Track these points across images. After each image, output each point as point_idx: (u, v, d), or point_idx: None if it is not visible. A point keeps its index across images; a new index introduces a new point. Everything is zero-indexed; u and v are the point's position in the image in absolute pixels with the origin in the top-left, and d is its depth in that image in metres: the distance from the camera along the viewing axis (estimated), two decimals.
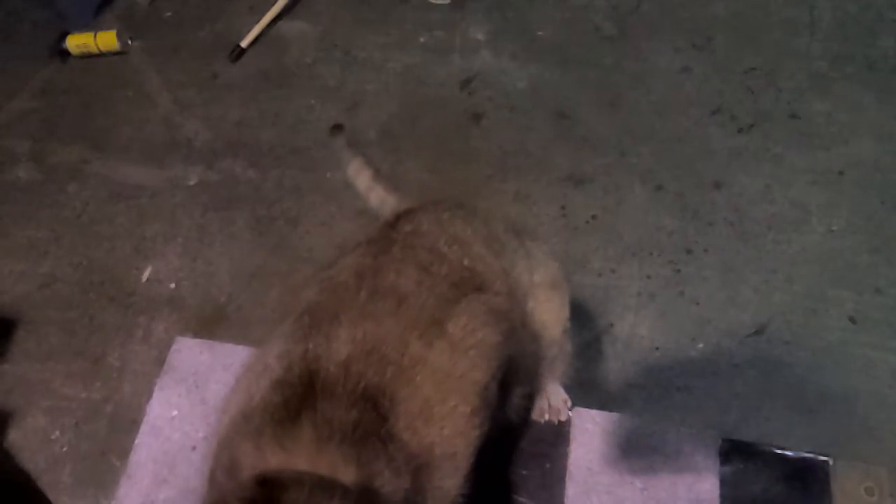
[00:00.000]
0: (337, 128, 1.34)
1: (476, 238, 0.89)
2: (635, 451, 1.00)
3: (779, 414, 1.14)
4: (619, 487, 0.99)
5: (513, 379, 0.88)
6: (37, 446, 1.28)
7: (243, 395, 0.74)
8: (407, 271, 0.79)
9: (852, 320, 1.22)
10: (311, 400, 0.67)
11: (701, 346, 1.23)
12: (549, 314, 0.96)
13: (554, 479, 1.01)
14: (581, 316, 1.29)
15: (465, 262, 0.83)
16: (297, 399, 0.67)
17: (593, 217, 1.41)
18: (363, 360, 0.70)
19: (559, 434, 1.04)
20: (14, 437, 1.30)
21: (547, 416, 1.09)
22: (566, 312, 0.99)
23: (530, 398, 1.09)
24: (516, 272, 0.91)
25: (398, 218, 0.90)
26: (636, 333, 1.26)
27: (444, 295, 0.78)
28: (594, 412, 1.05)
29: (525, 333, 0.91)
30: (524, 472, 1.02)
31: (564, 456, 1.03)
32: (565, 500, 0.99)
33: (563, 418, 1.06)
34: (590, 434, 1.04)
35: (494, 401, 0.79)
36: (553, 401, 1.09)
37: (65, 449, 1.27)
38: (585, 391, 1.16)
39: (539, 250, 0.99)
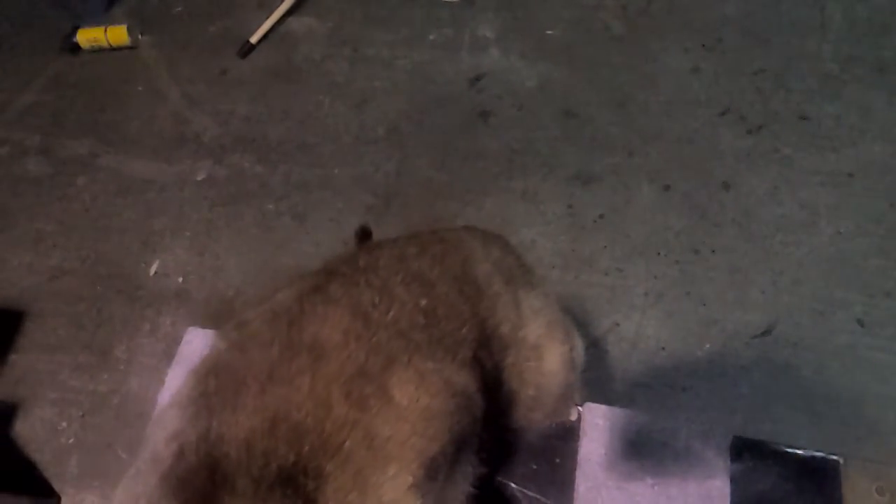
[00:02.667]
0: (364, 234, 1.17)
1: (443, 278, 0.78)
2: (646, 447, 1.00)
3: (785, 415, 1.14)
4: (629, 483, 0.98)
5: (466, 451, 0.74)
6: (44, 437, 1.29)
7: (129, 496, 0.59)
8: (335, 317, 0.67)
9: (860, 323, 1.22)
10: (213, 501, 0.54)
11: (707, 346, 1.23)
12: (536, 372, 0.85)
13: (564, 473, 1.01)
14: (587, 315, 1.29)
15: (423, 302, 0.72)
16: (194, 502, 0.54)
17: (601, 216, 1.41)
18: (271, 434, 0.57)
19: (569, 429, 1.04)
20: (21, 427, 1.31)
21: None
22: (559, 365, 0.87)
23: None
24: (495, 321, 0.80)
25: (359, 252, 0.81)
26: (642, 333, 1.25)
27: (384, 346, 0.66)
28: (604, 408, 1.05)
29: (498, 392, 0.80)
30: (534, 467, 1.02)
31: (574, 451, 1.02)
32: (575, 494, 0.99)
33: (572, 418, 1.06)
34: (600, 429, 1.04)
35: (442, 476, 0.67)
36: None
37: (71, 440, 1.28)
38: (591, 390, 1.16)
39: (534, 300, 0.87)
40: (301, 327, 0.66)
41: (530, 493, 1.00)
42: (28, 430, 1.30)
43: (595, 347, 1.25)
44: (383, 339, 0.67)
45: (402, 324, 0.69)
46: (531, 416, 0.91)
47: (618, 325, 1.27)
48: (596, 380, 1.19)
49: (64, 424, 1.30)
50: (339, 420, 0.59)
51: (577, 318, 1.24)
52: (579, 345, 0.94)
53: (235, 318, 0.73)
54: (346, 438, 0.59)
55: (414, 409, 0.63)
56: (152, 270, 1.47)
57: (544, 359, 0.85)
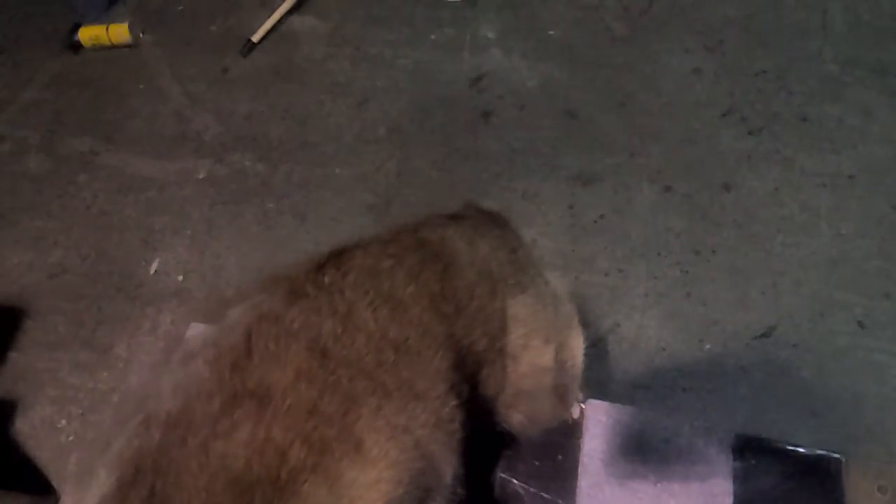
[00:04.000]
0: None
1: (418, 297, 0.71)
2: (648, 444, 1.00)
3: (785, 416, 1.14)
4: (631, 479, 0.98)
5: (437, 492, 0.71)
6: (43, 435, 1.29)
7: None
8: (288, 355, 0.61)
9: (860, 324, 1.22)
10: None
11: (708, 347, 1.23)
12: (515, 375, 0.81)
13: (567, 470, 1.01)
14: (588, 315, 1.29)
15: (392, 332, 0.66)
16: None
17: (601, 217, 1.41)
18: (217, 493, 0.54)
19: (572, 426, 1.05)
20: (21, 425, 1.31)
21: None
22: (538, 367, 0.84)
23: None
24: (471, 339, 0.75)
25: (328, 260, 0.72)
26: (643, 334, 1.25)
27: (343, 386, 0.61)
28: (607, 405, 1.05)
29: (476, 399, 0.77)
30: (536, 463, 1.02)
31: (577, 448, 1.03)
32: (578, 491, 0.99)
33: (575, 416, 1.06)
34: (603, 426, 1.04)
35: None
36: None
37: (71, 438, 1.28)
38: (591, 390, 1.16)
39: (520, 308, 0.81)
40: (246, 371, 0.61)
41: (533, 490, 1.01)
42: (28, 428, 1.30)
43: (595, 348, 1.24)
44: (343, 378, 0.62)
45: (366, 361, 0.64)
46: (519, 419, 0.88)
47: (618, 325, 1.27)
48: (596, 380, 1.19)
49: (63, 422, 1.30)
50: (296, 466, 0.57)
51: (577, 319, 1.25)
52: (574, 343, 0.91)
53: (182, 346, 0.67)
54: (306, 480, 0.56)
55: (384, 458, 0.61)
56: (153, 269, 1.47)
57: (521, 362, 0.82)
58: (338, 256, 0.73)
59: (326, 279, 0.70)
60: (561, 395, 0.91)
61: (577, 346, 0.92)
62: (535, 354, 0.83)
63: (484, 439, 0.85)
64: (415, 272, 0.73)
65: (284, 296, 0.68)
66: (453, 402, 0.71)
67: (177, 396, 0.61)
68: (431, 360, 0.69)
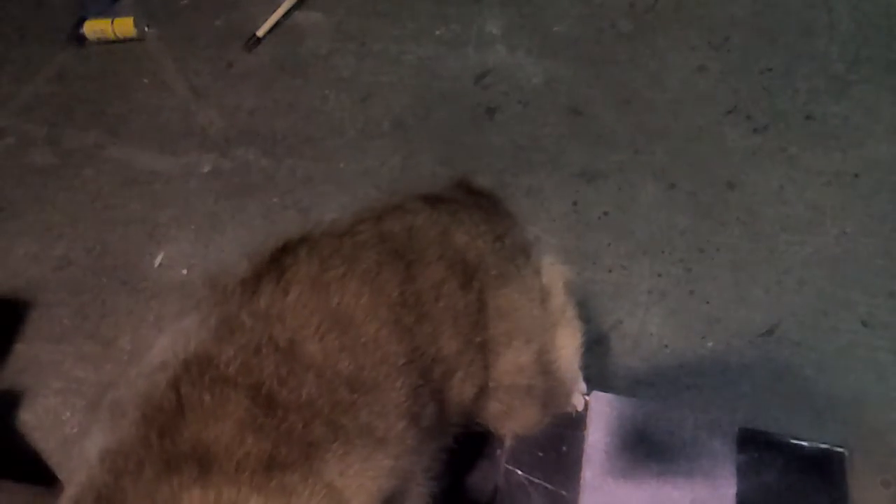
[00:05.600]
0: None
1: (373, 310, 0.62)
2: (652, 436, 1.00)
3: (787, 414, 1.14)
4: (635, 471, 0.99)
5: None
6: (48, 426, 1.30)
7: None
8: (225, 408, 0.54)
9: (864, 323, 1.22)
10: None
11: (711, 344, 1.23)
12: (495, 372, 0.75)
13: (570, 461, 1.01)
14: (591, 312, 1.29)
15: (344, 365, 0.59)
16: None
17: (605, 214, 1.41)
18: None
19: (576, 418, 1.05)
20: (26, 416, 1.31)
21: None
22: (518, 366, 0.77)
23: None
24: (437, 346, 0.68)
25: (268, 266, 0.63)
26: (646, 331, 1.26)
27: (298, 433, 0.55)
28: (611, 396, 1.05)
29: (448, 406, 0.71)
30: (540, 455, 1.02)
31: (581, 439, 1.03)
32: (582, 482, 1.00)
33: (579, 408, 1.06)
34: (607, 418, 1.04)
35: None
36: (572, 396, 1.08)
37: (75, 430, 1.29)
38: (594, 387, 1.16)
39: (502, 300, 0.74)
40: (177, 431, 0.54)
41: (537, 481, 1.01)
42: (32, 419, 1.31)
43: (598, 345, 1.25)
44: (298, 425, 0.55)
45: (320, 404, 0.56)
46: (498, 421, 0.83)
47: (621, 322, 1.27)
48: (599, 376, 1.19)
49: (68, 414, 1.31)
50: None
51: (580, 315, 1.25)
52: (563, 341, 0.84)
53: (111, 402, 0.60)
54: None
55: (358, 492, 0.57)
56: (157, 262, 1.48)
57: (503, 360, 0.76)
58: (279, 261, 0.64)
59: (263, 303, 0.61)
60: (541, 399, 0.83)
61: (568, 344, 0.85)
62: (517, 354, 0.77)
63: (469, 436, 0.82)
64: (370, 277, 0.64)
65: (216, 328, 0.59)
66: (423, 427, 0.66)
67: (105, 467, 0.54)
68: (391, 392, 0.61)
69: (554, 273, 0.87)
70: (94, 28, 1.85)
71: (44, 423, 1.30)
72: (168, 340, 0.62)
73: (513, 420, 0.84)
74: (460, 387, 0.72)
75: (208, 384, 0.56)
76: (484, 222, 0.79)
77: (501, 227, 0.82)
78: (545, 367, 0.81)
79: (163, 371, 0.58)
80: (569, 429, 1.04)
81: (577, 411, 1.06)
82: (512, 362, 0.77)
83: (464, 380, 0.72)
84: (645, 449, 1.00)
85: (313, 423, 0.56)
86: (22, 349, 1.40)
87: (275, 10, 1.81)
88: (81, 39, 1.87)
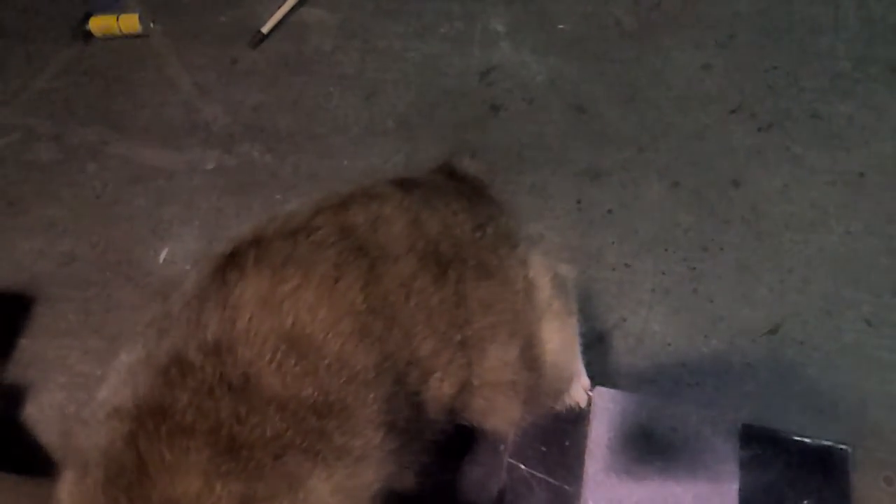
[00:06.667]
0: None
1: (336, 322, 0.57)
2: (655, 432, 1.01)
3: (790, 413, 1.14)
4: (638, 466, 0.99)
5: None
6: (52, 421, 1.30)
7: None
8: (189, 461, 0.51)
9: (868, 322, 1.22)
10: None
11: (714, 343, 1.23)
12: (495, 374, 0.72)
13: (573, 456, 1.01)
14: (594, 309, 1.29)
15: (307, 393, 0.54)
16: None
17: (609, 211, 1.41)
18: None
19: (579, 412, 1.05)
20: (30, 411, 1.32)
21: (567, 402, 1.08)
22: (513, 359, 0.73)
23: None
24: (410, 350, 0.63)
25: (212, 284, 0.59)
26: (649, 329, 1.26)
27: (269, 470, 0.52)
28: (615, 392, 1.06)
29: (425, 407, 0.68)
30: (543, 449, 1.03)
31: (584, 434, 1.03)
32: (584, 477, 1.00)
33: (582, 405, 1.06)
34: (610, 413, 1.05)
35: None
36: (573, 391, 1.09)
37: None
38: (597, 384, 1.16)
39: (484, 292, 0.69)
40: (143, 492, 0.51)
41: (539, 475, 1.01)
42: (37, 414, 1.31)
43: (601, 342, 1.25)
44: (267, 461, 0.52)
45: (289, 436, 0.53)
46: (483, 419, 0.80)
47: (624, 320, 1.27)
48: (602, 374, 1.19)
49: (72, 409, 1.31)
50: None
51: (583, 313, 1.24)
52: (551, 336, 0.80)
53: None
54: None
55: None
56: (161, 258, 1.48)
57: (488, 356, 0.72)
58: (226, 277, 0.59)
59: (210, 335, 0.56)
60: (524, 395, 0.79)
61: (554, 338, 0.80)
62: (502, 350, 0.73)
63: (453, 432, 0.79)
64: (328, 286, 0.58)
65: (165, 370, 0.56)
66: (402, 429, 0.63)
67: None
68: (363, 410, 0.58)
69: (541, 266, 0.82)
70: (99, 24, 1.85)
71: (48, 417, 1.31)
72: (117, 380, 0.59)
73: (496, 416, 0.80)
74: (439, 386, 0.69)
75: (166, 437, 0.53)
76: (463, 210, 0.74)
77: (483, 214, 0.76)
78: (530, 362, 0.77)
79: (118, 419, 0.55)
80: (572, 424, 1.04)
81: (580, 407, 1.06)
82: (497, 358, 0.73)
83: (442, 379, 0.69)
84: (648, 444, 1.00)
85: (286, 455, 0.53)
86: (26, 344, 1.40)
87: (279, 7, 1.81)
88: (87, 35, 1.88)
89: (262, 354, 0.55)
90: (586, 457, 1.01)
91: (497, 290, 0.72)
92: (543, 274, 0.82)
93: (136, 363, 0.60)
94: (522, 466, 1.02)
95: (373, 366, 0.59)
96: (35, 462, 1.25)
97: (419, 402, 0.68)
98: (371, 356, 0.59)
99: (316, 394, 0.55)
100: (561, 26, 1.72)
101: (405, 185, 0.75)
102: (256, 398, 0.54)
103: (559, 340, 0.82)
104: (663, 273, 1.32)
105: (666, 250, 1.34)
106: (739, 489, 0.96)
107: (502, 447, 1.04)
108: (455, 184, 0.82)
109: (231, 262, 0.62)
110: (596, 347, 1.23)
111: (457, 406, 0.76)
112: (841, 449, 0.99)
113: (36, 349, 1.39)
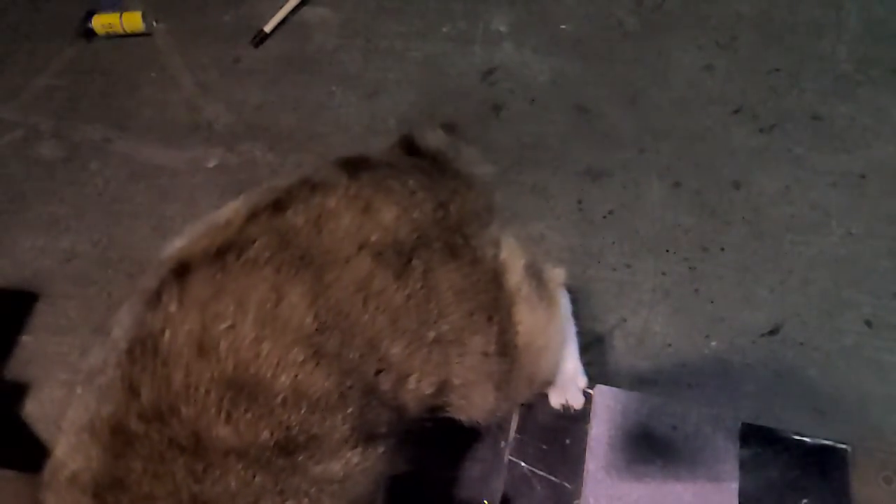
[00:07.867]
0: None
1: (282, 352, 0.51)
2: (656, 430, 1.01)
3: (790, 414, 1.14)
4: (638, 464, 0.99)
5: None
6: (53, 418, 1.30)
7: None
8: None
9: (868, 324, 1.22)
10: None
11: (714, 344, 1.23)
12: (475, 363, 0.68)
13: (574, 454, 1.02)
14: (594, 310, 1.29)
15: (267, 434, 0.50)
16: None
17: (610, 212, 1.41)
18: None
19: (580, 411, 1.06)
20: (31, 408, 1.32)
21: (564, 402, 1.09)
22: (490, 346, 0.70)
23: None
24: (382, 351, 0.58)
25: (140, 353, 0.53)
26: (649, 329, 1.26)
27: None
28: (616, 390, 1.06)
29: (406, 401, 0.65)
30: (544, 447, 1.03)
31: (585, 432, 1.04)
32: (585, 474, 1.00)
33: (577, 407, 1.06)
34: (611, 411, 1.05)
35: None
36: (570, 394, 1.09)
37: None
38: (596, 384, 1.16)
39: (457, 277, 0.63)
40: None
41: (540, 473, 1.01)
42: (38, 411, 1.32)
43: (601, 342, 1.25)
44: None
45: (259, 481, 0.50)
46: (462, 410, 0.76)
47: (625, 320, 1.27)
48: (602, 375, 1.19)
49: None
50: None
51: (583, 313, 1.25)
52: (530, 320, 0.75)
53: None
54: None
55: None
56: (163, 255, 1.48)
57: (466, 346, 0.67)
58: (152, 327, 0.53)
59: (146, 400, 0.51)
60: (499, 383, 0.74)
61: (527, 322, 0.74)
62: (483, 339, 0.67)
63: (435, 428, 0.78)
64: (269, 310, 0.52)
65: (111, 442, 0.52)
66: (387, 441, 0.60)
67: None
68: (333, 434, 0.53)
69: (513, 248, 0.76)
70: (102, 22, 1.86)
71: (49, 414, 1.31)
72: (69, 442, 0.55)
73: (472, 408, 0.75)
74: (416, 387, 0.64)
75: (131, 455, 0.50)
76: (422, 188, 0.66)
77: (446, 191, 0.69)
78: (503, 348, 0.71)
79: (80, 490, 0.52)
80: (573, 422, 1.04)
81: (577, 407, 1.06)
82: (479, 351, 0.68)
83: (420, 379, 0.64)
84: (648, 443, 1.00)
85: (264, 499, 0.50)
86: (28, 341, 1.41)
87: (282, 6, 1.81)
88: (90, 33, 1.88)
89: (207, 408, 0.50)
90: (587, 455, 1.01)
91: (468, 271, 0.65)
92: (516, 259, 0.76)
93: (81, 430, 0.55)
94: (523, 464, 1.02)
95: (334, 387, 0.54)
96: (35, 459, 1.25)
97: (399, 405, 0.63)
98: (331, 378, 0.54)
99: (275, 434, 0.50)
100: (563, 26, 1.72)
101: (352, 166, 0.66)
102: (212, 453, 0.49)
103: (530, 324, 0.75)
104: (664, 273, 1.32)
105: (667, 251, 1.34)
106: (739, 488, 0.96)
107: (503, 444, 1.05)
108: (413, 160, 0.75)
109: (156, 302, 0.56)
110: (596, 348, 1.23)
111: (437, 403, 0.72)
112: (841, 448, 1.00)
113: (37, 346, 1.40)
